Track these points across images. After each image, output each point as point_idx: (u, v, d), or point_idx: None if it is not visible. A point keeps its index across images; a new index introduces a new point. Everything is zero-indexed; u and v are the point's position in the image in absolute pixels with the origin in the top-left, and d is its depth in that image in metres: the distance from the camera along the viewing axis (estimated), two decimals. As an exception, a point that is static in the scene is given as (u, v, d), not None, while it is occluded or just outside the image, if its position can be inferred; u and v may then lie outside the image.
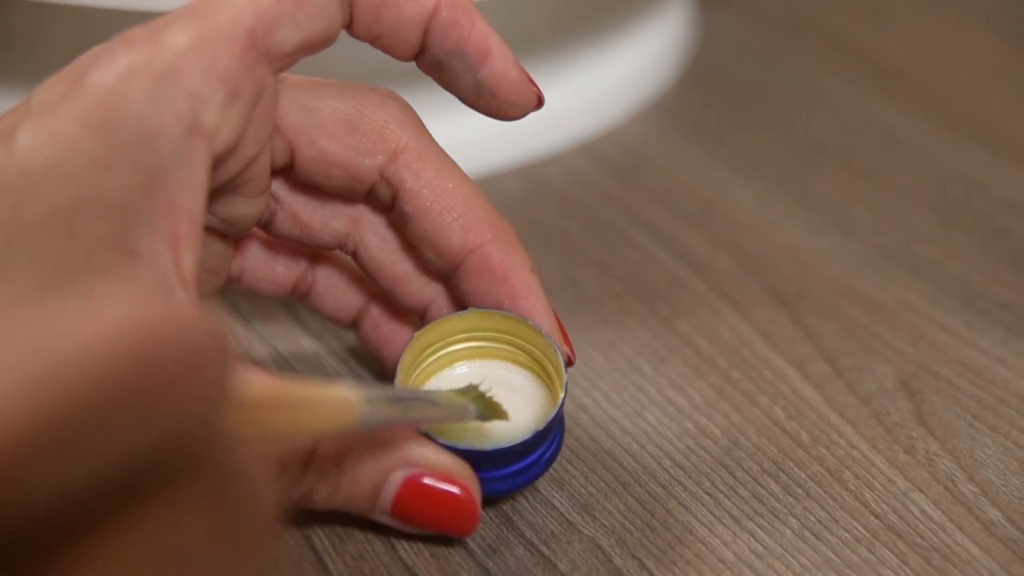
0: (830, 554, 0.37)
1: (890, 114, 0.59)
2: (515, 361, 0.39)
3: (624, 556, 0.37)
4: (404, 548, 0.37)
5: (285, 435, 0.27)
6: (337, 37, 0.36)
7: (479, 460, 0.36)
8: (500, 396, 0.37)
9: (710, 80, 0.61)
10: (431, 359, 0.39)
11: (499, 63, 0.37)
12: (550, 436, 0.37)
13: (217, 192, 0.36)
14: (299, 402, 0.28)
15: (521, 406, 0.38)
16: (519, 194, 0.52)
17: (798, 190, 0.53)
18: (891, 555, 0.37)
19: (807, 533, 0.38)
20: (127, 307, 0.21)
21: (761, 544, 0.37)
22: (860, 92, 0.60)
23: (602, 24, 0.57)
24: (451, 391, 0.36)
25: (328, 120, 0.37)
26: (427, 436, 0.36)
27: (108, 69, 0.33)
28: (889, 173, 0.55)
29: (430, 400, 0.35)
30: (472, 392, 0.36)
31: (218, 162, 0.34)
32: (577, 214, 0.52)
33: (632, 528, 0.38)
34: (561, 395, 0.37)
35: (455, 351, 0.39)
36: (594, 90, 0.56)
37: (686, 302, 0.47)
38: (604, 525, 0.38)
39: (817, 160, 0.56)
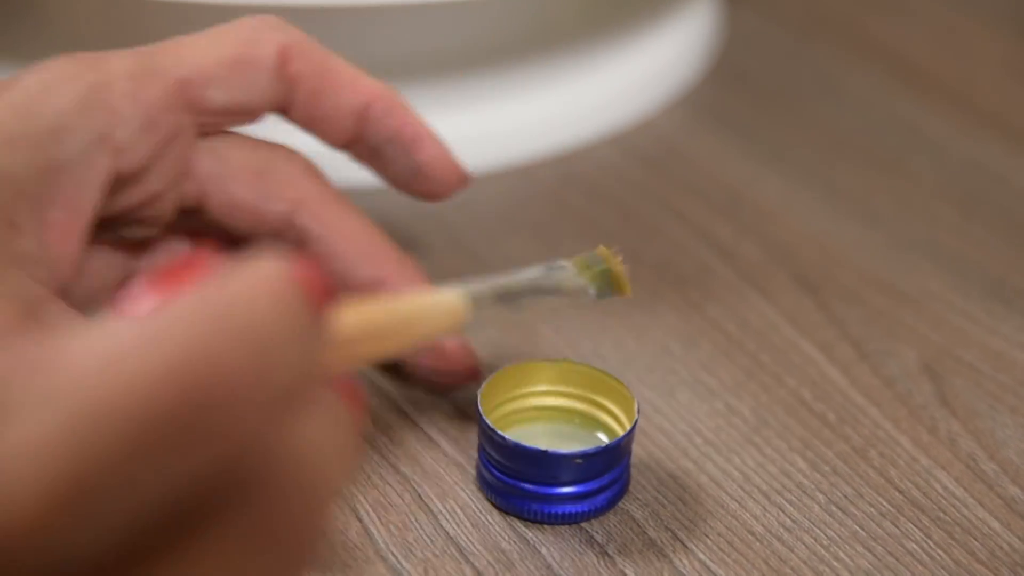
0: (856, 528, 0.39)
1: (911, 108, 0.60)
2: (591, 425, 0.40)
3: (658, 528, 0.38)
4: (446, 518, 0.39)
5: (391, 354, 0.28)
6: (263, 114, 0.39)
7: (538, 462, 0.38)
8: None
9: (736, 75, 0.62)
10: (514, 405, 0.40)
11: (432, 146, 0.40)
12: (617, 467, 0.38)
13: (119, 217, 0.38)
14: (404, 322, 0.29)
15: None
16: (552, 184, 0.54)
17: (822, 181, 0.55)
18: (915, 529, 0.39)
19: (834, 508, 0.39)
20: (171, 346, 0.22)
21: (790, 518, 0.39)
22: (882, 87, 0.62)
23: (631, 21, 0.59)
24: (577, 259, 0.36)
25: (238, 167, 0.39)
26: (491, 429, 0.38)
27: (48, 71, 0.36)
28: (910, 165, 0.56)
29: (539, 289, 0.35)
30: (597, 267, 0.37)
31: (120, 182, 0.36)
32: (608, 204, 0.53)
33: (665, 501, 0.39)
34: (631, 422, 0.38)
35: (537, 406, 0.41)
36: (624, 85, 0.57)
37: (715, 288, 0.48)
38: (638, 499, 0.39)
39: (840, 153, 0.57)
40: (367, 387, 0.43)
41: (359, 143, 0.40)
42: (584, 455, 0.37)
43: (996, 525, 0.39)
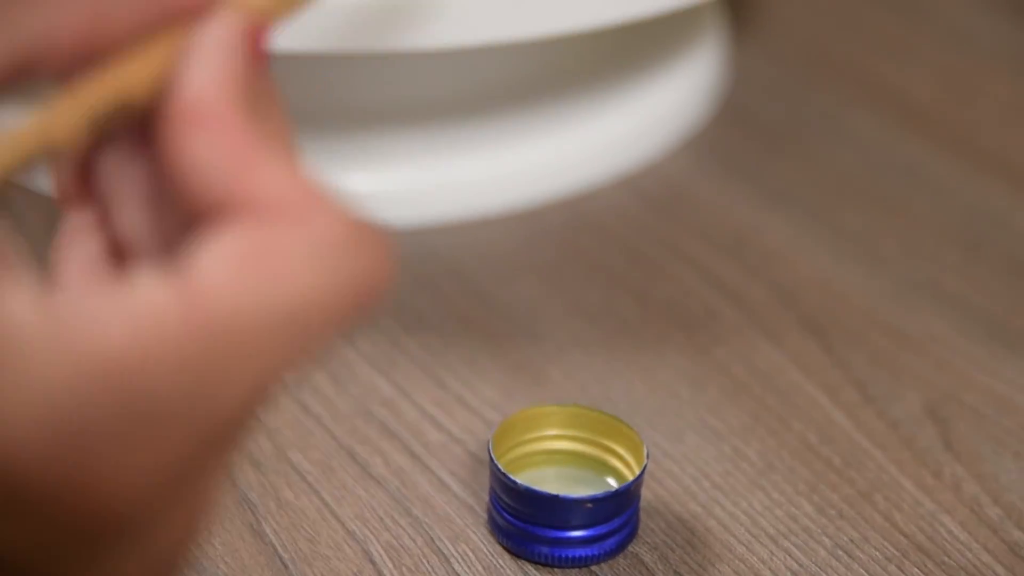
0: (862, 572, 0.39)
1: (916, 150, 0.61)
2: (601, 469, 0.41)
3: (667, 572, 0.39)
4: (458, 562, 0.39)
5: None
6: None
7: (549, 506, 0.38)
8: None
9: (742, 117, 0.63)
10: (525, 449, 0.41)
11: None
12: (627, 511, 0.39)
13: None
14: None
15: None
16: (561, 227, 0.54)
17: (828, 224, 0.55)
18: (920, 573, 0.39)
19: (840, 552, 0.40)
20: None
21: (796, 562, 0.40)
22: (886, 129, 0.63)
23: (637, 64, 0.60)
24: None
25: None
26: (503, 474, 0.38)
27: None
28: (915, 207, 0.57)
29: None
30: None
31: None
32: (616, 246, 0.54)
33: (674, 545, 0.40)
34: (640, 467, 0.39)
35: (547, 450, 0.41)
36: (631, 127, 0.58)
37: (722, 331, 0.49)
38: (647, 542, 0.40)
39: (846, 195, 0.58)
40: (378, 429, 0.44)
41: None
42: (594, 499, 0.38)
43: (1000, 570, 0.39)
